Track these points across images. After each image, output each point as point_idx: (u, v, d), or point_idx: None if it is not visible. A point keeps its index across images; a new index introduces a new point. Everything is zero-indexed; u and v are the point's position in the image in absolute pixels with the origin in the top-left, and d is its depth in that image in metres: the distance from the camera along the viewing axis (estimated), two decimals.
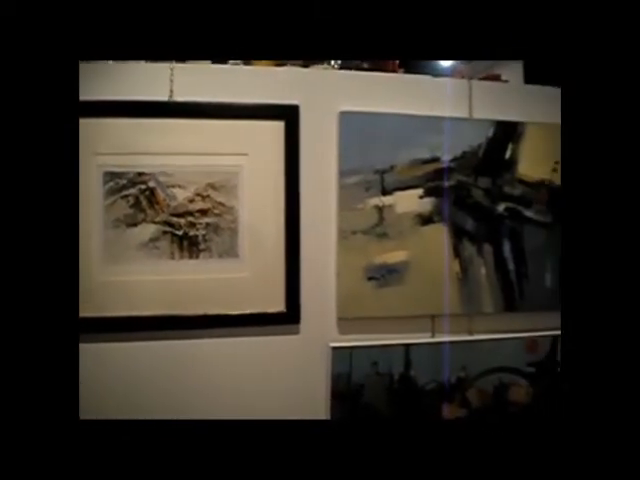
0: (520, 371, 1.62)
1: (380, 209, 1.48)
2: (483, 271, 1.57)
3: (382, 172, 1.48)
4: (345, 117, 1.47)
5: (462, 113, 1.58)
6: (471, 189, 1.55)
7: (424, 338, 1.55)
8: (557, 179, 1.61)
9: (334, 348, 1.47)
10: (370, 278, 1.48)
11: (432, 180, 1.52)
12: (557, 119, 1.63)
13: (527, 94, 1.69)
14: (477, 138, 1.56)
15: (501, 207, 1.58)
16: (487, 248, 1.57)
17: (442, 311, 1.55)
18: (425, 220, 1.51)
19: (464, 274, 1.55)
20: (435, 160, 1.52)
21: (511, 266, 1.59)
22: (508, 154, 1.58)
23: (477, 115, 1.59)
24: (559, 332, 1.62)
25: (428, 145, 1.52)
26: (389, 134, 1.49)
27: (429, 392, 1.54)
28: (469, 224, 1.55)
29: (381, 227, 1.48)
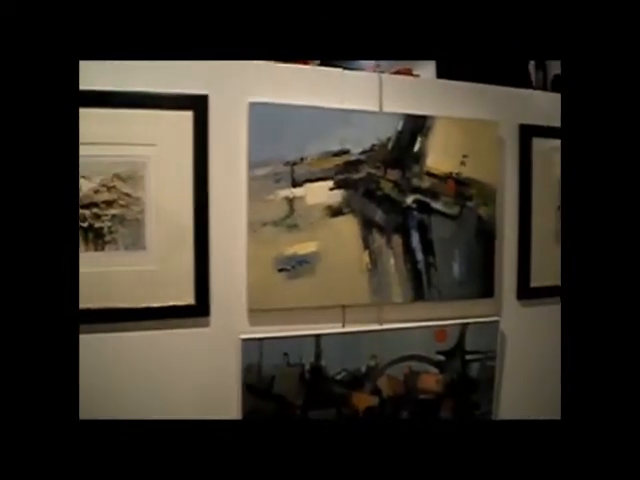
0: (429, 359, 1.69)
1: (290, 201, 1.51)
2: (392, 262, 1.62)
3: (292, 164, 1.51)
4: (255, 108, 1.49)
5: (372, 106, 1.63)
6: (380, 181, 1.60)
7: (335, 328, 1.59)
8: (464, 172, 1.69)
9: (244, 340, 1.49)
10: (280, 269, 1.51)
11: (342, 172, 1.56)
12: (465, 114, 1.72)
13: (437, 89, 1.76)
14: (387, 131, 1.61)
15: (410, 199, 1.63)
16: (396, 239, 1.63)
17: (352, 301, 1.60)
18: (335, 212, 1.55)
19: (374, 265, 1.60)
20: (345, 152, 1.56)
21: (419, 257, 1.66)
22: (417, 147, 1.64)
23: (387, 109, 1.64)
24: (467, 320, 1.71)
25: (338, 137, 1.55)
26: (299, 126, 1.52)
27: (340, 381, 1.58)
28: (378, 216, 1.60)
29: (291, 218, 1.51)
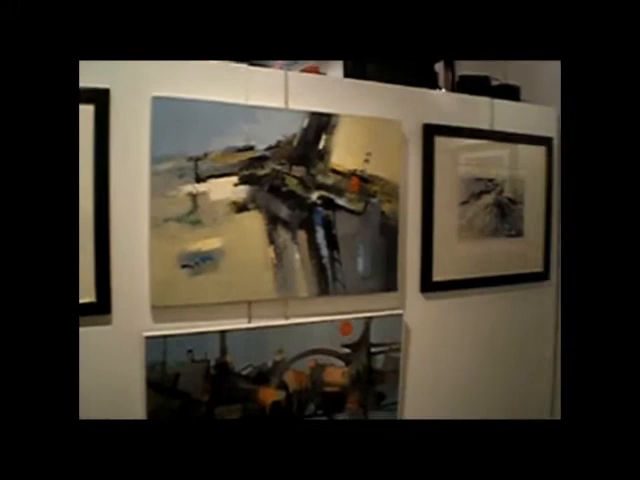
0: (335, 352, 1.74)
1: (194, 196, 1.52)
2: (297, 257, 1.66)
3: (196, 159, 1.51)
4: (158, 102, 1.48)
5: (278, 103, 1.66)
6: (286, 178, 1.63)
7: (240, 324, 1.61)
8: (368, 169, 1.75)
9: (148, 337, 1.48)
10: (184, 266, 1.51)
11: (247, 168, 1.58)
12: (370, 112, 1.78)
13: (343, 87, 1.81)
14: (292, 128, 1.65)
15: (315, 195, 1.68)
16: (301, 235, 1.67)
17: (258, 297, 1.62)
18: (240, 208, 1.57)
19: (279, 260, 1.63)
20: (250, 148, 1.58)
21: (324, 252, 1.70)
22: (322, 144, 1.69)
23: (293, 106, 1.68)
24: (371, 314, 1.77)
25: (243, 133, 1.57)
26: (203, 121, 1.53)
27: (246, 377, 1.61)
28: (284, 212, 1.63)
29: (195, 214, 1.52)
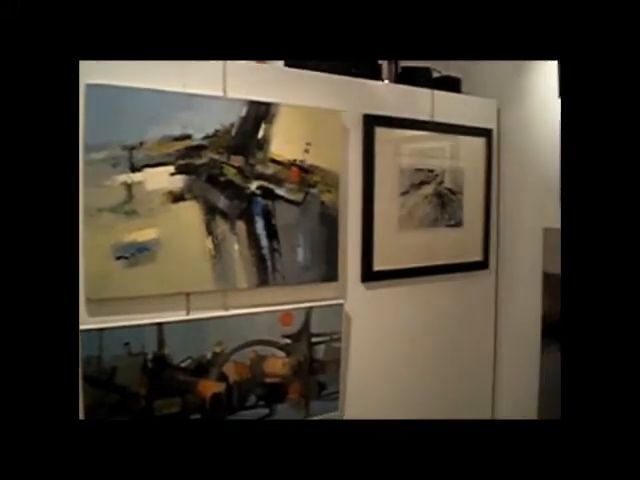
0: (275, 343, 1.75)
1: (129, 186, 1.49)
2: (236, 248, 1.66)
3: (131, 148, 1.49)
4: (92, 90, 1.45)
5: (216, 91, 1.64)
6: (224, 167, 1.62)
7: (178, 316, 1.60)
8: (308, 159, 1.75)
9: (83, 331, 1.46)
10: (119, 257, 1.49)
11: (183, 157, 1.56)
12: (311, 102, 1.79)
13: (284, 77, 1.80)
14: (230, 117, 1.63)
15: (254, 185, 1.67)
16: (240, 225, 1.66)
17: (196, 288, 1.61)
18: (176, 198, 1.55)
19: (217, 251, 1.63)
20: (187, 137, 1.56)
21: (264, 242, 1.70)
22: (261, 134, 1.68)
23: (232, 94, 1.66)
24: (312, 304, 1.78)
25: (180, 122, 1.55)
26: (139, 109, 1.50)
27: (185, 369, 1.60)
28: (222, 202, 1.62)
29: (130, 204, 1.49)
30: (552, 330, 2.18)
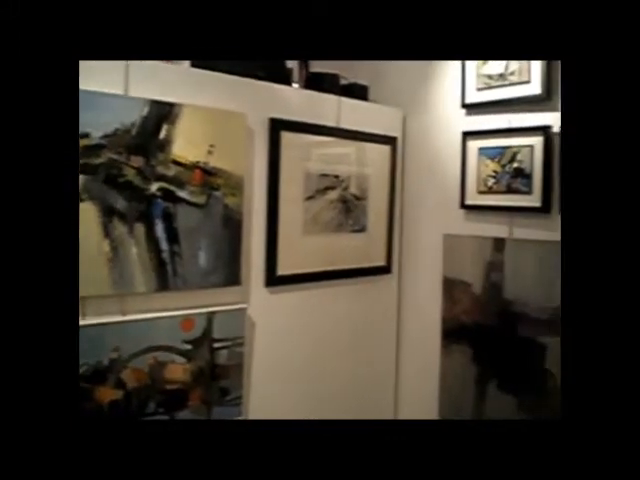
0: (176, 349, 1.72)
1: None
2: (135, 251, 1.61)
3: None
4: None
5: (117, 89, 1.60)
6: (123, 168, 1.58)
7: None
8: (212, 161, 1.74)
9: None
10: None
11: (81, 157, 1.50)
12: (215, 104, 1.77)
13: (188, 77, 1.78)
14: (131, 116, 1.59)
15: (154, 187, 1.64)
16: (139, 228, 1.62)
17: (92, 292, 1.55)
18: None
19: (115, 254, 1.58)
20: (85, 136, 1.50)
21: (164, 246, 1.67)
22: (163, 134, 1.65)
23: (133, 93, 1.62)
24: (214, 309, 1.77)
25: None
26: None
27: (81, 376, 1.54)
28: (120, 203, 1.58)
29: None
30: (451, 332, 2.27)
